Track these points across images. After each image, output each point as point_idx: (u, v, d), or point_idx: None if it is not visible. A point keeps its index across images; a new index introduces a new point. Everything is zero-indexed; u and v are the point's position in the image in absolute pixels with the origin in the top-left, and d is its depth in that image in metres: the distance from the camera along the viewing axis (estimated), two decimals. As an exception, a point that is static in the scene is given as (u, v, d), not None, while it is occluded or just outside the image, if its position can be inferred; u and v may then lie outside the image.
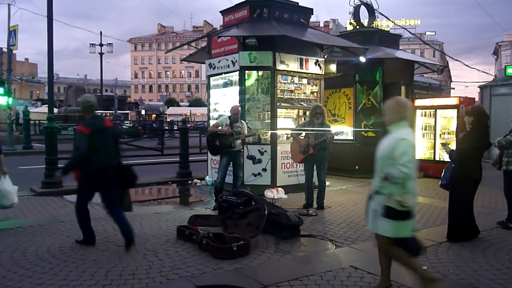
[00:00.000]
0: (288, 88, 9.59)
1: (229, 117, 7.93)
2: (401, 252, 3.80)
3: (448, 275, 4.50)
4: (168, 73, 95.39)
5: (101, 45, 37.22)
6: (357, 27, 13.35)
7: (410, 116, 3.94)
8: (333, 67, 10.23)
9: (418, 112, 12.45)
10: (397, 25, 20.45)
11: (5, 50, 20.08)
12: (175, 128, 28.79)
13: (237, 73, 9.26)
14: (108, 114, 37.93)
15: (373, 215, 3.86)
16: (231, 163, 7.94)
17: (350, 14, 13.40)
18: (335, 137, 7.64)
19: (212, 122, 9.40)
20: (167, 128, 32.13)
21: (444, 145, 6.42)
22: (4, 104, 19.35)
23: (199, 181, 10.71)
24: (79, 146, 5.25)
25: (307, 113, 9.18)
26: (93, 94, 43.85)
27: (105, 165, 5.28)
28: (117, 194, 5.49)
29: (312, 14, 10.59)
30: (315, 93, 10.04)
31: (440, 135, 11.93)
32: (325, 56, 10.31)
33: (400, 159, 3.64)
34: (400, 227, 3.69)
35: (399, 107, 3.93)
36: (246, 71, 9.22)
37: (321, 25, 78.65)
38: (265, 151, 9.09)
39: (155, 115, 44.36)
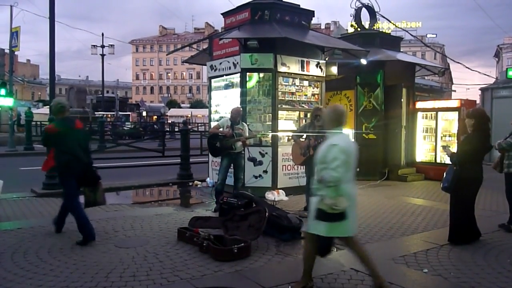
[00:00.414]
0: (289, 90, 9.59)
1: (230, 118, 7.93)
2: (311, 247, 4.08)
3: (450, 278, 4.49)
4: (169, 74, 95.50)
5: (102, 46, 37.32)
6: (358, 29, 13.35)
7: (345, 122, 4.22)
8: (334, 69, 10.24)
9: (419, 114, 12.47)
10: (398, 27, 20.52)
11: (7, 51, 20.13)
12: (176, 129, 28.83)
13: (238, 75, 9.27)
14: (110, 115, 38.03)
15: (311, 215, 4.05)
16: (232, 165, 7.94)
17: (351, 16, 13.40)
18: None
19: (213, 124, 9.41)
20: (168, 129, 32.15)
21: (445, 147, 6.41)
22: (7, 106, 19.39)
23: (200, 182, 10.72)
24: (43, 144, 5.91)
25: (308, 115, 9.18)
26: (95, 95, 43.94)
27: (72, 162, 5.61)
28: (89, 189, 5.89)
29: (313, 16, 10.59)
30: (316, 95, 10.04)
31: (441, 137, 11.93)
32: (326, 58, 10.32)
33: (331, 164, 3.81)
34: (333, 228, 3.88)
35: (335, 114, 4.17)
36: (247, 73, 9.23)
37: (322, 27, 78.74)
38: (266, 153, 9.10)
39: (156, 117, 44.38)
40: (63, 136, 5.60)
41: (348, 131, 11.45)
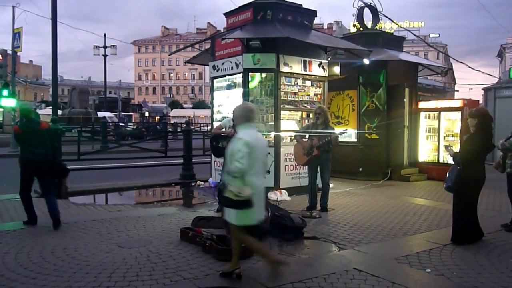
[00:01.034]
0: (292, 90, 9.59)
1: (233, 119, 7.93)
2: (250, 238, 4.34)
3: (452, 278, 4.49)
4: (171, 75, 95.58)
5: (105, 47, 37.37)
6: (361, 29, 13.34)
7: (254, 118, 4.56)
8: (336, 69, 10.24)
9: (422, 114, 12.45)
10: (401, 27, 20.45)
11: (9, 52, 20.18)
12: (179, 130, 28.85)
13: (241, 75, 9.27)
14: (112, 116, 38.08)
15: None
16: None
17: (353, 16, 13.39)
18: (340, 138, 7.62)
19: (215, 124, 9.42)
20: (170, 130, 32.19)
21: (448, 147, 6.41)
22: (9, 106, 19.44)
23: (202, 183, 10.72)
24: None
25: (311, 115, 9.18)
26: (97, 96, 44.01)
27: (36, 159, 6.38)
28: (54, 183, 6.77)
29: (316, 16, 10.59)
30: (318, 95, 10.04)
31: (444, 137, 11.91)
32: (329, 58, 10.32)
33: (235, 155, 4.12)
34: (241, 215, 4.19)
35: (244, 111, 4.53)
36: (250, 73, 9.23)
37: (325, 27, 78.71)
38: (269, 153, 9.08)
39: (158, 117, 44.43)
40: (25, 136, 6.46)
41: (351, 131, 11.47)
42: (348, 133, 8.06)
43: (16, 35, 19.08)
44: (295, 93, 9.64)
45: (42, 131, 6.53)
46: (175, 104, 66.39)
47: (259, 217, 4.33)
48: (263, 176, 4.46)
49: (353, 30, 15.29)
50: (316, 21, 12.45)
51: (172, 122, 41.67)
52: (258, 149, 4.30)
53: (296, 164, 8.62)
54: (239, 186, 4.07)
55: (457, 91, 39.71)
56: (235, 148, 4.16)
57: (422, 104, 12.58)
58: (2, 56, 19.62)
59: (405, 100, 11.96)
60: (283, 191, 8.87)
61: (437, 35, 75.35)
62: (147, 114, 46.62)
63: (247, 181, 4.11)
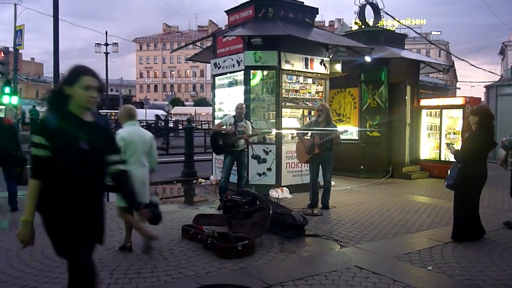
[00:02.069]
0: (293, 87, 9.58)
1: (234, 116, 7.94)
2: (130, 216, 4.91)
3: (454, 276, 4.49)
4: (173, 72, 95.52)
5: (106, 44, 37.31)
6: (363, 26, 13.31)
7: (136, 116, 5.32)
8: (338, 67, 10.21)
9: (424, 112, 12.44)
10: (403, 24, 20.41)
11: (11, 49, 20.17)
12: (180, 127, 28.85)
13: (242, 72, 9.27)
14: (114, 113, 38.09)
15: None
16: (235, 162, 7.94)
17: (355, 13, 13.36)
18: (341, 137, 7.62)
19: (217, 122, 9.42)
20: (171, 126, 32.19)
21: (449, 145, 6.40)
22: (11, 104, 19.45)
23: (204, 180, 10.73)
24: None
25: (312, 112, 9.18)
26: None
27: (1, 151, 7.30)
28: (16, 173, 7.45)
29: (317, 13, 10.57)
30: (320, 93, 10.03)
31: (446, 135, 11.90)
32: (330, 56, 10.30)
33: None
34: (119, 198, 4.89)
35: (125, 110, 5.34)
36: (251, 71, 9.22)
37: (326, 24, 78.52)
38: (270, 150, 9.10)
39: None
40: None
41: (352, 129, 11.46)
42: (349, 132, 8.05)
43: (18, 32, 19.08)
44: (296, 91, 9.63)
45: (5, 127, 7.56)
46: (176, 102, 66.37)
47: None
48: (144, 165, 5.13)
49: (355, 27, 15.23)
50: (318, 18, 12.43)
51: (173, 119, 41.64)
52: (136, 143, 5.05)
53: (298, 161, 8.62)
54: None
55: (459, 88, 39.69)
56: None
57: (423, 102, 12.56)
58: (3, 54, 19.60)
59: (406, 97, 11.94)
60: (284, 188, 8.87)
61: (439, 33, 75.25)
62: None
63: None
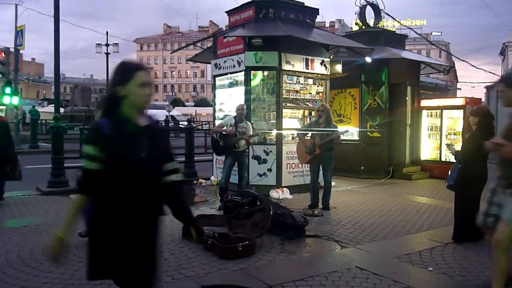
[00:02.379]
0: (294, 88, 9.58)
1: (235, 117, 7.94)
2: None
3: (454, 276, 4.48)
4: (173, 73, 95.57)
5: (107, 45, 37.33)
6: (363, 27, 13.32)
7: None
8: (338, 68, 10.22)
9: (424, 112, 12.44)
10: (403, 25, 20.38)
11: (12, 50, 20.19)
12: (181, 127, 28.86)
13: (243, 73, 9.27)
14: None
15: None
16: (235, 163, 7.94)
17: (356, 14, 13.37)
18: (341, 137, 7.62)
19: (217, 122, 9.42)
20: (172, 125, 32.18)
21: (449, 146, 6.40)
22: (12, 104, 19.47)
23: (204, 181, 10.73)
24: None
25: (313, 113, 9.18)
26: (99, 94, 44.04)
27: None
28: (6, 168, 7.71)
29: (318, 14, 10.58)
30: (320, 93, 10.03)
31: (446, 135, 11.89)
32: (331, 57, 10.30)
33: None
34: None
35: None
36: (252, 71, 9.22)
37: (327, 25, 78.51)
38: (271, 151, 9.10)
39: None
40: None
41: (353, 129, 11.47)
42: (350, 132, 8.06)
43: (19, 33, 19.10)
44: (297, 91, 9.63)
45: None
46: (177, 102, 66.36)
47: None
48: None
49: (355, 28, 15.25)
50: (318, 19, 12.44)
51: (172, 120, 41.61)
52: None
53: (299, 162, 8.62)
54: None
55: (459, 89, 39.66)
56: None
57: (424, 102, 12.56)
58: (4, 54, 19.61)
59: (407, 98, 11.95)
60: (285, 189, 8.87)
61: (440, 33, 75.26)
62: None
63: None
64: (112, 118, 2.38)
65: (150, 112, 2.65)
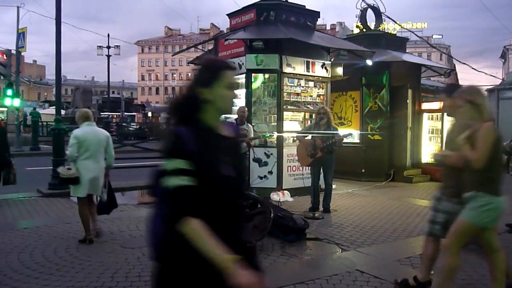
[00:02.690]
0: (295, 91, 9.59)
1: (236, 119, 7.94)
2: (82, 207, 5.73)
3: (455, 280, 4.46)
4: (174, 75, 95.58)
5: (108, 47, 37.42)
6: (364, 30, 13.33)
7: (91, 118, 5.95)
8: (339, 70, 10.22)
9: (425, 115, 12.42)
10: (404, 28, 20.43)
11: (14, 52, 20.23)
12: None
13: (244, 76, 9.27)
14: (115, 116, 38.16)
15: None
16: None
17: (356, 17, 13.37)
18: (344, 140, 7.61)
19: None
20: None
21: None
22: (14, 106, 19.51)
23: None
24: None
25: (314, 116, 9.18)
26: (100, 96, 44.07)
27: None
28: (4, 172, 7.77)
29: (319, 17, 10.60)
30: (321, 96, 10.03)
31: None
32: (332, 59, 10.31)
33: (69, 145, 5.67)
34: (74, 190, 5.73)
35: (80, 114, 5.99)
36: (253, 74, 9.23)
37: (328, 28, 78.56)
38: (271, 154, 9.09)
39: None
40: None
41: (354, 132, 11.45)
42: (352, 135, 8.05)
43: (21, 35, 19.15)
44: (298, 94, 9.64)
45: None
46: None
47: (88, 192, 5.71)
48: (97, 161, 5.76)
49: (356, 31, 15.27)
50: (319, 22, 12.45)
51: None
52: (90, 141, 5.66)
53: (299, 165, 8.62)
54: (64, 169, 5.78)
55: (460, 92, 39.54)
56: (70, 140, 5.65)
57: (425, 105, 12.55)
58: (6, 56, 19.67)
59: (408, 101, 11.94)
60: (285, 192, 8.86)
61: (440, 36, 75.19)
62: (150, 114, 46.56)
63: (77, 164, 5.59)
64: (194, 127, 1.93)
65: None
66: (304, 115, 9.80)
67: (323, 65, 9.82)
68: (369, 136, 11.66)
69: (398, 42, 13.28)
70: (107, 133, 6.13)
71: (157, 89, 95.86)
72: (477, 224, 3.54)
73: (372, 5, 13.09)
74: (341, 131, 8.05)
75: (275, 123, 9.17)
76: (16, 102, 19.16)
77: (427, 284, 4.00)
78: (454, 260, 3.58)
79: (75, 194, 5.75)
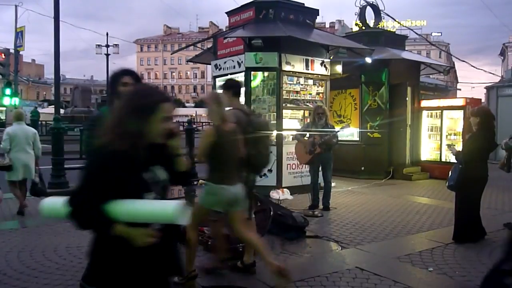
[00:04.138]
0: (294, 89, 9.58)
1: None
2: (15, 190, 7.23)
3: (455, 277, 4.48)
4: (174, 74, 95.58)
5: (107, 46, 37.36)
6: (363, 28, 13.33)
7: (23, 119, 7.49)
8: (339, 68, 10.22)
9: (424, 113, 12.43)
10: (403, 25, 20.41)
11: (12, 51, 20.22)
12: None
13: (243, 74, 9.26)
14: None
15: None
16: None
17: (356, 15, 13.39)
18: (343, 137, 7.61)
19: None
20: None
21: (450, 146, 6.39)
22: (12, 105, 19.52)
23: (204, 181, 10.69)
24: None
25: (311, 114, 9.18)
26: (100, 95, 44.04)
27: None
28: None
29: (318, 15, 10.58)
30: (320, 94, 10.03)
31: (446, 136, 11.89)
32: (331, 57, 10.30)
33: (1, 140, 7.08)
34: (9, 175, 7.09)
35: (15, 114, 7.55)
36: (252, 72, 9.22)
37: (327, 25, 78.51)
38: (271, 152, 9.05)
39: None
40: None
41: (353, 130, 11.47)
42: (348, 127, 8.06)
43: (19, 34, 19.17)
44: (297, 92, 9.63)
45: None
46: (177, 103, 66.15)
47: (23, 176, 7.16)
48: (27, 152, 7.16)
49: (355, 28, 15.27)
50: (318, 19, 12.44)
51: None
52: (19, 136, 7.06)
53: (299, 163, 8.61)
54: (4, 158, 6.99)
55: (460, 89, 39.62)
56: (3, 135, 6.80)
57: (424, 103, 12.55)
58: (4, 55, 19.66)
59: (407, 98, 11.94)
60: (285, 190, 8.86)
61: (440, 34, 75.24)
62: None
63: (11, 155, 7.00)
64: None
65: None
66: (304, 113, 9.79)
67: (322, 63, 9.81)
68: (368, 134, 11.67)
69: (397, 40, 13.28)
70: (35, 130, 7.61)
71: (156, 87, 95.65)
72: (203, 206, 4.33)
73: (371, 2, 13.09)
74: (338, 129, 8.04)
75: (275, 121, 9.16)
76: (15, 102, 19.16)
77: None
78: (192, 234, 4.23)
79: (9, 178, 7.09)
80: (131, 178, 2.03)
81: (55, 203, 2.26)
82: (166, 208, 2.00)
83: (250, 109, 7.31)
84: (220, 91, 4.80)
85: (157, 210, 2.02)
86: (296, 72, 9.42)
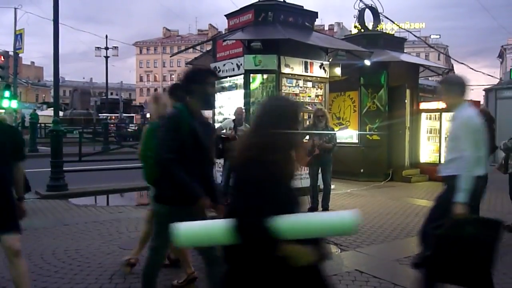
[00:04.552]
0: (293, 91, 9.59)
1: (234, 120, 7.94)
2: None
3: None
4: (173, 76, 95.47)
5: (106, 48, 37.33)
6: (362, 30, 13.34)
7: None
8: (338, 71, 10.23)
9: (423, 115, 12.45)
10: (402, 28, 20.44)
11: (11, 53, 20.21)
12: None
13: (242, 76, 9.28)
14: (114, 117, 38.13)
15: None
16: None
17: (355, 17, 13.41)
18: (342, 139, 7.61)
19: (216, 125, 9.41)
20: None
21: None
22: (11, 108, 19.50)
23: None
24: None
25: (311, 117, 9.18)
26: (99, 97, 44.06)
27: None
28: None
29: (317, 17, 10.62)
30: (320, 97, 10.04)
31: (446, 138, 11.88)
32: (330, 60, 10.31)
33: None
34: None
35: None
36: (251, 75, 9.24)
37: (326, 28, 78.60)
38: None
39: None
40: None
41: (352, 132, 11.47)
42: (346, 129, 8.07)
43: (18, 36, 19.13)
44: (296, 94, 9.63)
45: None
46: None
47: None
48: None
49: (354, 31, 15.28)
50: (317, 22, 12.48)
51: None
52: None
53: (298, 165, 8.59)
54: None
55: (459, 92, 39.54)
56: None
57: (423, 105, 12.57)
58: (3, 58, 19.63)
59: (406, 101, 11.96)
60: (284, 192, 8.83)
61: (438, 36, 75.37)
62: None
63: None
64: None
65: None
66: (303, 115, 9.78)
67: (321, 66, 9.82)
68: (367, 136, 11.67)
69: (396, 42, 13.31)
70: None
71: (155, 90, 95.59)
72: None
73: (370, 5, 13.12)
74: (336, 130, 8.05)
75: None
76: (14, 104, 19.14)
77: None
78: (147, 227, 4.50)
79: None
80: (287, 191, 2.05)
81: (197, 229, 2.12)
82: (344, 219, 1.90)
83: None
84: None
85: (333, 223, 1.92)
86: (295, 74, 9.44)
